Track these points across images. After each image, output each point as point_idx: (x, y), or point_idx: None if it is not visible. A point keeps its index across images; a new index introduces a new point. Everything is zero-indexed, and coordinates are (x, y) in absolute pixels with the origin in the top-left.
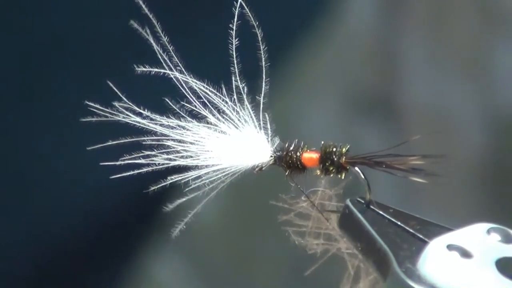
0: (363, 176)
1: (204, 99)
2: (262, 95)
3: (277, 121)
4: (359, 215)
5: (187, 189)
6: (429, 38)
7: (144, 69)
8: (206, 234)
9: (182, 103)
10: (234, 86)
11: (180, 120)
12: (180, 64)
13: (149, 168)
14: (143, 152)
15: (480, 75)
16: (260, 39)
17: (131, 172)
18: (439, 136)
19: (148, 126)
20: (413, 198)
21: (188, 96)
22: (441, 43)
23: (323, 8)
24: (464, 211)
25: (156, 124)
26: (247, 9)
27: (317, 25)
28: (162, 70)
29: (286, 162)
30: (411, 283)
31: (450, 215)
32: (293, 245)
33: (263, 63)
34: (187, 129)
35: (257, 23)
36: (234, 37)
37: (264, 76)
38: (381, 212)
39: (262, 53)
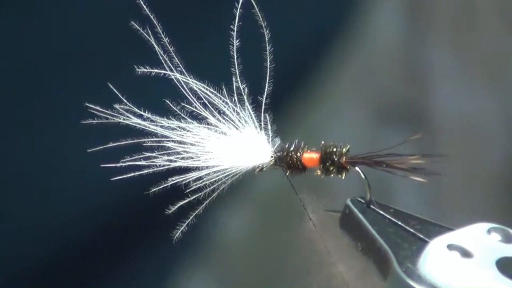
0: (363, 176)
1: (205, 100)
2: (265, 96)
3: (304, 129)
4: (360, 215)
5: (188, 190)
6: (456, 47)
7: (144, 70)
8: (231, 248)
9: (183, 104)
10: (234, 87)
11: (181, 122)
12: (180, 65)
13: (150, 170)
14: (144, 154)
15: (507, 83)
16: (266, 40)
17: (132, 174)
18: (466, 143)
19: (148, 127)
20: (435, 200)
21: (189, 97)
22: (467, 52)
23: (350, 19)
24: (486, 217)
25: (156, 125)
26: (257, 10)
27: (344, 36)
28: (162, 71)
29: (287, 163)
30: (412, 283)
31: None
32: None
33: (268, 64)
34: (188, 130)
35: (265, 24)
36: (235, 38)
37: (267, 77)
38: (381, 212)
39: (268, 54)
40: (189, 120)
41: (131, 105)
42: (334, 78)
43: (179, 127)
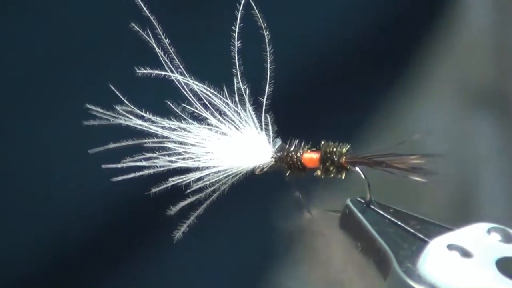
0: (363, 176)
1: (205, 101)
2: (265, 96)
3: (395, 117)
4: (360, 215)
5: (189, 191)
6: None
7: (145, 71)
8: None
9: (184, 105)
10: (236, 88)
11: (182, 122)
12: (181, 66)
13: (151, 171)
14: (144, 155)
15: None
16: (267, 41)
17: (133, 175)
18: None
19: (149, 128)
20: None
21: (190, 98)
22: None
23: (441, 7)
24: None
25: (157, 126)
26: (255, 12)
27: (435, 24)
28: (163, 72)
29: (287, 163)
30: (411, 283)
31: None
32: None
33: (269, 64)
34: (189, 131)
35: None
36: (236, 38)
37: (268, 78)
38: (381, 212)
39: (268, 55)
40: (190, 120)
41: (132, 107)
42: (425, 66)
43: (179, 127)
